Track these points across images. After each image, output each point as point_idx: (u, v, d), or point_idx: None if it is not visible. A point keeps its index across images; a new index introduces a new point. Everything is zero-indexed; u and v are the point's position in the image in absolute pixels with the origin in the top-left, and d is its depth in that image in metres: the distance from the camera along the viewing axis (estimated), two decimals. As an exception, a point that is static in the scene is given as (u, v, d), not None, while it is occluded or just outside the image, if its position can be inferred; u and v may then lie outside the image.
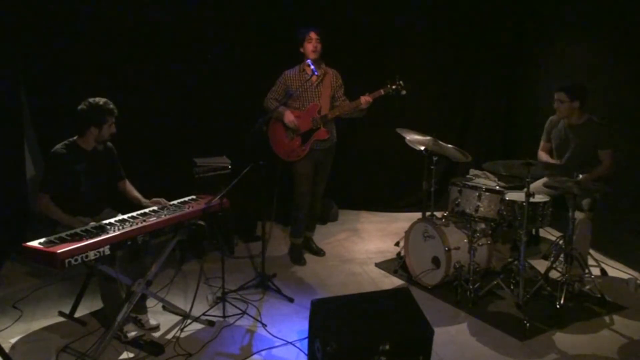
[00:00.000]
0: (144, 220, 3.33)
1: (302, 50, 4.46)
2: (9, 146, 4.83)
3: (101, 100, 3.54)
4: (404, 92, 4.37)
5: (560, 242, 4.11)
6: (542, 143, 4.54)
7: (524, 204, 3.66)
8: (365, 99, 4.37)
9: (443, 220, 4.27)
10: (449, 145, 4.30)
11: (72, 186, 3.54)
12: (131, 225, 3.23)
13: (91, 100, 3.54)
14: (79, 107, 3.53)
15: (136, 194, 3.83)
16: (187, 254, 4.70)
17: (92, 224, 3.28)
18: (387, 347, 2.84)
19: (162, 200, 3.72)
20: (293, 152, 4.55)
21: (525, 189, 3.64)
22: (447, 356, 3.34)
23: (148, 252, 3.60)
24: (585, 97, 4.18)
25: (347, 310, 3.04)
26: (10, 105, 4.81)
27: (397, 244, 5.01)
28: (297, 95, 4.48)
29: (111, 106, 3.56)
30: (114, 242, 3.09)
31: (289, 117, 4.46)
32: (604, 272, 4.43)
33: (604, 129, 4.18)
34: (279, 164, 4.63)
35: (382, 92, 4.37)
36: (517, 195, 3.91)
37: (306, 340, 3.22)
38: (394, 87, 4.36)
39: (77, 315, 3.72)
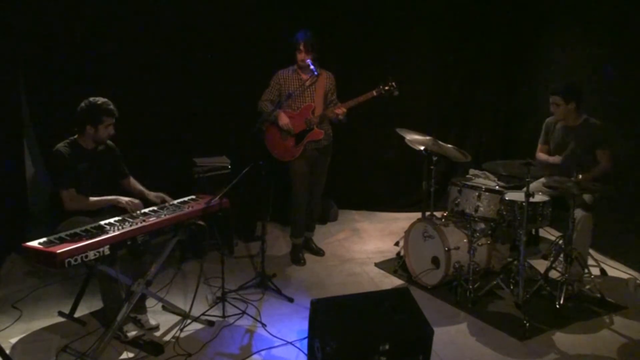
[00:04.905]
0: (144, 220, 3.33)
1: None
2: (9, 146, 4.83)
3: (100, 100, 3.53)
4: (396, 93, 4.36)
5: (560, 242, 4.11)
6: (539, 145, 4.53)
7: (524, 203, 3.67)
8: (340, 110, 4.38)
9: (443, 220, 4.27)
10: (449, 145, 4.30)
11: (74, 185, 3.52)
12: (131, 225, 3.24)
13: (92, 99, 3.53)
14: (80, 105, 3.53)
15: (140, 187, 3.83)
16: (187, 254, 4.70)
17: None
18: (387, 347, 2.84)
19: (166, 197, 3.73)
20: (287, 152, 4.55)
21: (525, 189, 3.64)
22: (447, 356, 3.34)
23: (147, 251, 3.60)
24: (581, 98, 4.18)
25: (347, 310, 3.04)
26: (10, 105, 4.81)
27: (396, 244, 5.01)
28: (294, 96, 4.48)
29: (110, 107, 3.53)
30: (113, 242, 3.09)
31: (283, 120, 4.47)
32: (603, 272, 4.43)
33: (602, 129, 4.18)
34: (276, 165, 4.63)
35: (374, 93, 4.36)
36: (516, 195, 3.91)
37: (306, 340, 3.22)
38: (386, 88, 4.35)
39: (77, 315, 3.72)
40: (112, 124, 3.57)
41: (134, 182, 3.87)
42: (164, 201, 3.71)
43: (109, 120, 3.54)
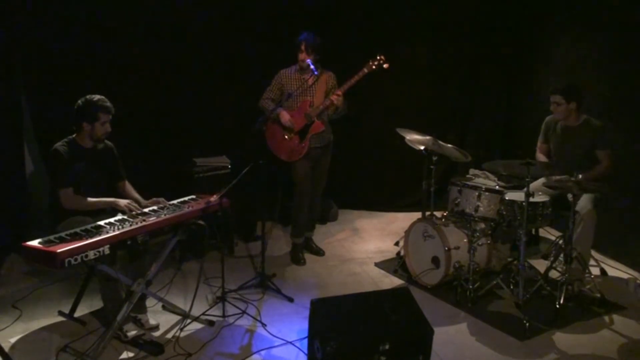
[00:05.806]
0: (144, 220, 3.33)
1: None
2: (9, 146, 4.83)
3: (96, 97, 3.53)
4: (386, 66, 4.38)
5: (560, 242, 4.11)
6: (539, 144, 4.54)
7: (524, 203, 3.66)
8: (335, 96, 4.39)
9: (443, 220, 4.27)
10: (449, 145, 4.31)
11: (72, 185, 3.52)
12: (131, 225, 3.23)
13: (88, 96, 3.53)
14: (76, 103, 3.53)
15: (136, 195, 3.81)
16: (187, 254, 4.70)
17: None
18: (387, 347, 2.84)
19: (162, 200, 3.72)
20: (294, 151, 4.55)
21: (525, 189, 3.64)
22: (447, 356, 3.34)
23: (148, 251, 3.60)
24: (581, 98, 4.19)
25: (347, 310, 3.04)
26: (10, 105, 4.81)
27: (396, 244, 5.01)
28: (295, 96, 4.49)
29: (107, 104, 3.53)
30: (113, 242, 3.09)
31: (285, 117, 4.49)
32: (603, 272, 4.43)
33: (602, 129, 4.18)
34: (278, 165, 4.63)
35: (365, 70, 4.39)
36: (516, 195, 3.91)
37: (306, 340, 3.22)
38: (375, 63, 4.38)
39: (77, 315, 3.71)
40: (109, 121, 3.57)
41: (130, 188, 3.84)
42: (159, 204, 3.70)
43: (105, 117, 3.53)
